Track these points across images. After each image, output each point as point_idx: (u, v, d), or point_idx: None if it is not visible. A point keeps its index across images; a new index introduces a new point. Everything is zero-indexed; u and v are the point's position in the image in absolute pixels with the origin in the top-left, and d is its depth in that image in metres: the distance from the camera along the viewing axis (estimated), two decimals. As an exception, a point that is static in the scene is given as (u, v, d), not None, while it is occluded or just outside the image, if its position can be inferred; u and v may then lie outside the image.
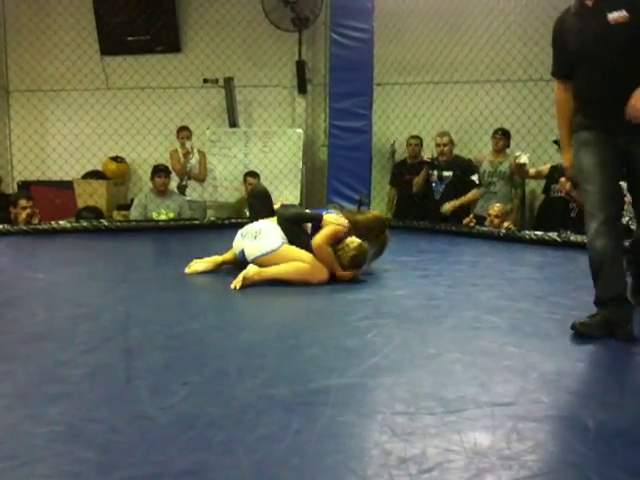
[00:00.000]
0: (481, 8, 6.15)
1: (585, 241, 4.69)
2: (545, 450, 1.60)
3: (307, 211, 4.03)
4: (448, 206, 5.75)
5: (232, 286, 3.35)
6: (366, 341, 2.48)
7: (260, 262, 3.55)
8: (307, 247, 3.57)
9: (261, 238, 3.61)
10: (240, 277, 3.38)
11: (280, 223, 3.69)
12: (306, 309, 3.18)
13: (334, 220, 3.64)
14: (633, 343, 2.48)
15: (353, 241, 3.59)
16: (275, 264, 3.52)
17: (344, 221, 3.67)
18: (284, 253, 3.55)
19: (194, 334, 2.59)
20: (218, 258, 3.84)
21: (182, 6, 7.32)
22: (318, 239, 3.56)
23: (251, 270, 3.43)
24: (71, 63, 7.20)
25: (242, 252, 3.67)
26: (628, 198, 4.93)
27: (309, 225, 3.70)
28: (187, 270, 3.75)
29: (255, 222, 3.82)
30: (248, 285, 3.38)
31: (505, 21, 6.12)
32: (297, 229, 3.68)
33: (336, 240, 3.60)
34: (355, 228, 3.71)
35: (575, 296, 3.32)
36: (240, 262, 3.71)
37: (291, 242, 3.61)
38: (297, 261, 3.51)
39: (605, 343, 2.50)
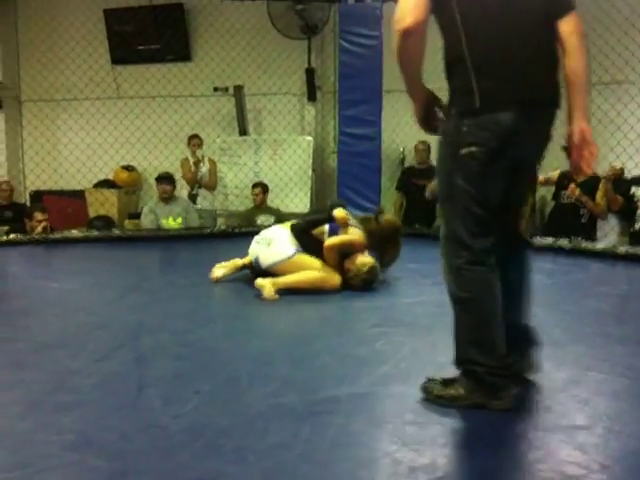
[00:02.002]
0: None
1: (596, 248, 4.76)
2: (555, 459, 1.59)
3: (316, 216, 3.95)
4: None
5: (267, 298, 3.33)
6: (376, 349, 2.48)
7: (274, 270, 3.56)
8: (319, 254, 3.57)
9: (274, 246, 3.62)
10: (262, 284, 3.38)
11: (293, 232, 3.67)
12: (316, 317, 3.18)
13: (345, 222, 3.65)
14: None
15: (365, 263, 3.55)
16: (288, 273, 3.51)
17: (358, 234, 3.66)
18: (298, 262, 3.54)
19: (205, 342, 2.61)
20: (238, 261, 3.83)
21: (192, 15, 7.37)
22: (332, 240, 3.56)
23: (260, 281, 3.42)
24: (82, 73, 7.27)
25: (257, 259, 3.68)
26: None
27: (325, 233, 3.67)
28: (212, 278, 3.74)
29: (269, 229, 3.83)
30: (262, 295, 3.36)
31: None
32: (307, 237, 3.67)
33: (350, 250, 3.59)
34: (369, 238, 3.68)
35: (585, 304, 3.31)
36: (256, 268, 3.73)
37: (305, 249, 3.60)
38: (309, 269, 3.52)
39: (615, 352, 2.49)
